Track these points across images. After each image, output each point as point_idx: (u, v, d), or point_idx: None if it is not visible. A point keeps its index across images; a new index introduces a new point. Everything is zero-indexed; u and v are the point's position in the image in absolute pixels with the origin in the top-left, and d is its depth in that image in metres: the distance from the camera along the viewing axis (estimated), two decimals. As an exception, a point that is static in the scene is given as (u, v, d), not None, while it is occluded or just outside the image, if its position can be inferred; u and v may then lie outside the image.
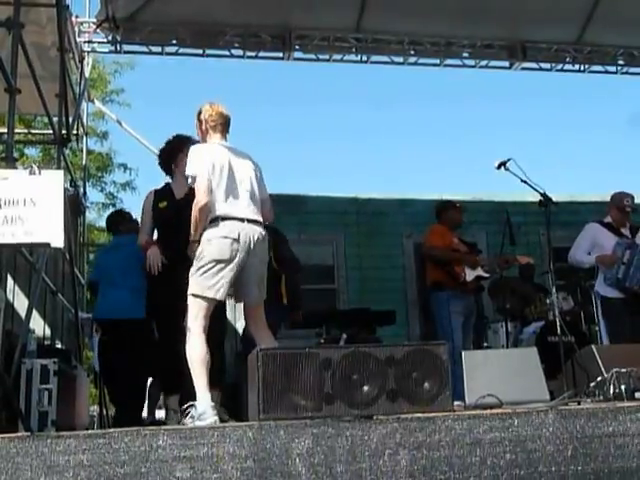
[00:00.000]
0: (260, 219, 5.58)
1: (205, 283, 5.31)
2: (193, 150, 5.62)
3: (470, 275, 8.19)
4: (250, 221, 5.47)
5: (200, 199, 5.39)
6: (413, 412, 4.18)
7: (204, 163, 5.47)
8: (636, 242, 8.00)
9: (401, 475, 3.70)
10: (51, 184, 5.13)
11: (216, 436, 3.61)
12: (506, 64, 12.43)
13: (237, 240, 5.34)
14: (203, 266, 5.33)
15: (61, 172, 5.74)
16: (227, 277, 5.33)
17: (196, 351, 5.23)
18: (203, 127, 5.78)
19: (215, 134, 5.75)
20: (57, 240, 5.14)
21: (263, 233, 5.55)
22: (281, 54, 11.66)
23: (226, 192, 5.47)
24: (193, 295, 5.34)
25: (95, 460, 3.47)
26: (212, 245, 5.35)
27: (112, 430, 3.79)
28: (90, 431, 4.03)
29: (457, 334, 7.92)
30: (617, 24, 11.74)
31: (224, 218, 5.41)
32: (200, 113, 5.80)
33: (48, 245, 5.22)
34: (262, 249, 5.55)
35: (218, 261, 5.32)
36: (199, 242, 5.38)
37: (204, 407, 5.06)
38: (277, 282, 7.60)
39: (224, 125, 5.79)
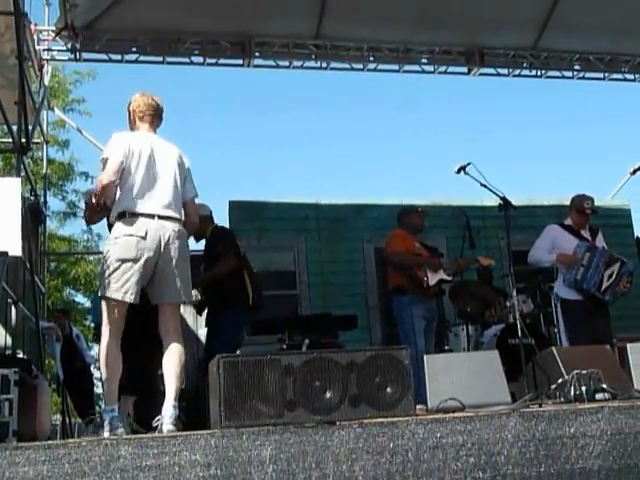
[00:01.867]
0: (176, 216, 5.35)
1: (113, 285, 5.11)
2: (113, 136, 5.45)
3: (433, 279, 8.18)
4: (162, 217, 5.24)
5: (105, 176, 5.23)
6: (376, 417, 4.20)
7: (121, 149, 5.29)
8: (596, 245, 8.08)
9: (364, 480, 3.71)
10: (8, 192, 5.09)
11: (178, 444, 3.60)
12: (464, 69, 12.51)
13: (144, 238, 5.13)
14: (109, 266, 5.13)
15: (18, 180, 5.71)
16: (134, 278, 5.11)
17: (107, 357, 5.07)
18: (131, 118, 5.63)
19: (143, 124, 5.58)
20: (14, 248, 5.10)
21: (177, 230, 5.30)
22: (241, 61, 11.64)
23: (139, 185, 5.27)
24: (102, 297, 5.16)
25: (55, 471, 3.44)
26: (117, 244, 5.15)
27: (72, 440, 3.76)
28: (50, 442, 3.99)
29: (420, 338, 7.92)
30: (573, 30, 11.87)
31: (132, 214, 5.19)
32: (130, 104, 5.65)
33: (6, 254, 5.18)
34: (178, 247, 5.27)
35: (123, 260, 5.10)
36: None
37: (110, 416, 4.96)
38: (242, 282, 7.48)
39: (153, 116, 5.62)
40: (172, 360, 5.24)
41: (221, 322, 7.24)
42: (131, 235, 5.14)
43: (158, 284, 5.25)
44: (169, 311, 5.36)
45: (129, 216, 5.20)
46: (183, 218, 5.46)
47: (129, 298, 5.12)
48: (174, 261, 5.24)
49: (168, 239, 5.21)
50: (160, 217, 5.23)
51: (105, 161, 5.28)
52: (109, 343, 5.09)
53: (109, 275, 5.12)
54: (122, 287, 5.10)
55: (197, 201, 7.11)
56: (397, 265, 8.27)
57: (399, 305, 8.17)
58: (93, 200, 5.47)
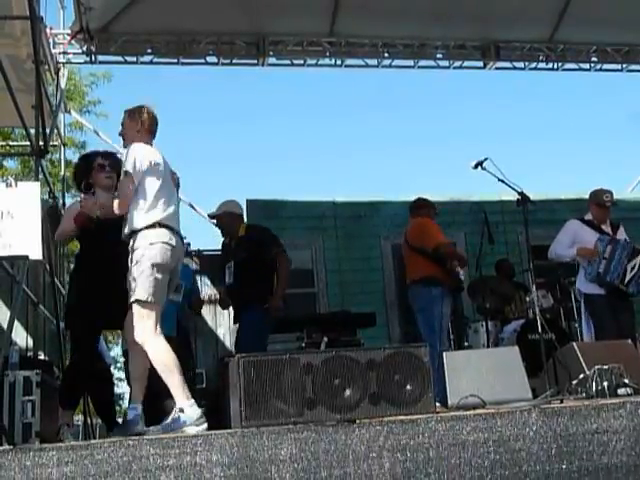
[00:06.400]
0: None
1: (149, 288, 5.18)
2: (136, 148, 5.43)
3: (461, 274, 8.10)
4: (177, 233, 5.42)
5: (124, 203, 5.32)
6: (396, 415, 4.19)
7: (142, 164, 5.32)
8: (617, 238, 8.02)
9: (385, 478, 3.71)
10: (28, 196, 5.11)
11: (199, 444, 3.61)
12: (480, 64, 12.46)
13: (175, 248, 5.30)
14: (144, 270, 5.18)
15: (38, 184, 5.72)
16: (164, 282, 5.27)
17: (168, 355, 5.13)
18: (138, 128, 5.60)
19: (149, 138, 5.63)
20: (35, 252, 5.12)
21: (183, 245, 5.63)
22: (255, 60, 11.66)
23: (165, 199, 5.38)
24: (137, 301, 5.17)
25: (78, 472, 3.46)
26: (154, 249, 5.21)
27: (95, 441, 3.78)
28: (73, 442, 4.02)
29: (444, 334, 7.82)
30: (589, 21, 11.80)
31: (163, 225, 5.29)
32: (135, 113, 5.66)
33: (26, 257, 5.20)
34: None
35: (159, 265, 5.19)
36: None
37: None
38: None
39: (156, 130, 5.73)
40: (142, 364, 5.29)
41: (255, 320, 7.27)
42: (166, 243, 5.24)
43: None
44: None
45: (160, 227, 5.28)
46: None
47: (160, 301, 5.22)
48: (176, 274, 5.48)
49: (182, 253, 5.52)
50: (176, 232, 5.41)
51: (126, 175, 5.33)
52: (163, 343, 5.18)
53: (145, 278, 5.17)
54: (156, 290, 5.17)
55: (231, 199, 7.83)
56: (442, 256, 7.95)
57: (429, 297, 7.83)
58: (98, 213, 5.57)
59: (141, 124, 5.62)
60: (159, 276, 5.18)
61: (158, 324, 5.17)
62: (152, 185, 5.35)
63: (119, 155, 6.18)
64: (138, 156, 5.35)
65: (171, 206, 5.41)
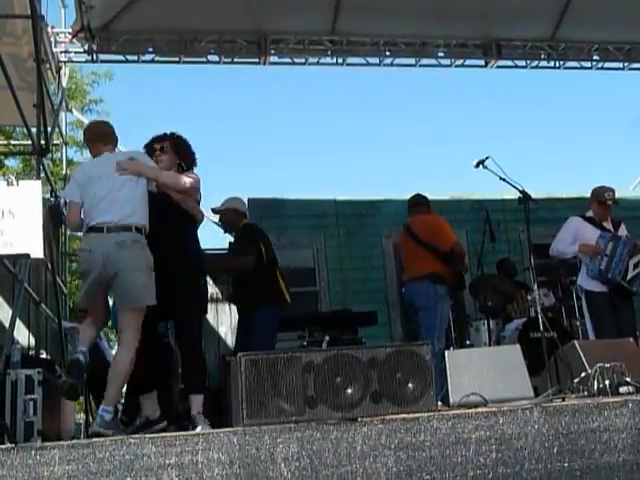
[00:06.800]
0: (127, 224, 5.42)
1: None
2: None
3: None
4: (111, 229, 5.36)
5: (71, 226, 5.87)
6: (397, 413, 4.19)
7: (74, 189, 5.64)
8: (619, 235, 8.01)
9: (387, 476, 3.71)
10: (29, 195, 5.14)
11: (201, 443, 3.61)
12: (481, 62, 12.44)
13: (90, 252, 5.37)
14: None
15: (39, 182, 5.76)
16: (86, 287, 5.46)
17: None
18: (88, 143, 5.99)
19: (100, 147, 5.81)
20: (36, 251, 5.15)
21: (123, 240, 5.37)
22: (257, 59, 11.66)
23: (94, 203, 5.48)
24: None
25: (80, 470, 3.47)
26: (78, 259, 5.53)
27: (96, 440, 3.78)
28: (74, 441, 4.02)
29: (443, 333, 7.81)
30: (591, 20, 11.78)
31: (87, 230, 5.45)
32: (84, 133, 6.23)
33: (28, 256, 5.23)
34: (126, 256, 5.36)
35: (81, 273, 5.59)
36: None
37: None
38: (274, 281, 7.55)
39: (104, 137, 5.88)
40: (113, 364, 5.42)
41: (258, 320, 7.28)
42: (82, 250, 5.52)
43: (114, 290, 5.49)
44: (121, 314, 5.51)
45: (85, 232, 5.51)
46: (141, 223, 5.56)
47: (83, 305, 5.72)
48: (122, 270, 5.36)
49: (112, 250, 5.33)
50: (109, 229, 5.38)
51: (65, 204, 5.87)
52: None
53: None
54: (81, 296, 5.58)
55: (236, 196, 7.93)
56: (455, 257, 7.99)
57: (435, 295, 7.84)
58: None
59: (89, 140, 5.99)
60: (83, 282, 5.53)
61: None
62: (84, 199, 5.59)
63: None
64: (67, 185, 5.95)
65: (103, 201, 5.47)
